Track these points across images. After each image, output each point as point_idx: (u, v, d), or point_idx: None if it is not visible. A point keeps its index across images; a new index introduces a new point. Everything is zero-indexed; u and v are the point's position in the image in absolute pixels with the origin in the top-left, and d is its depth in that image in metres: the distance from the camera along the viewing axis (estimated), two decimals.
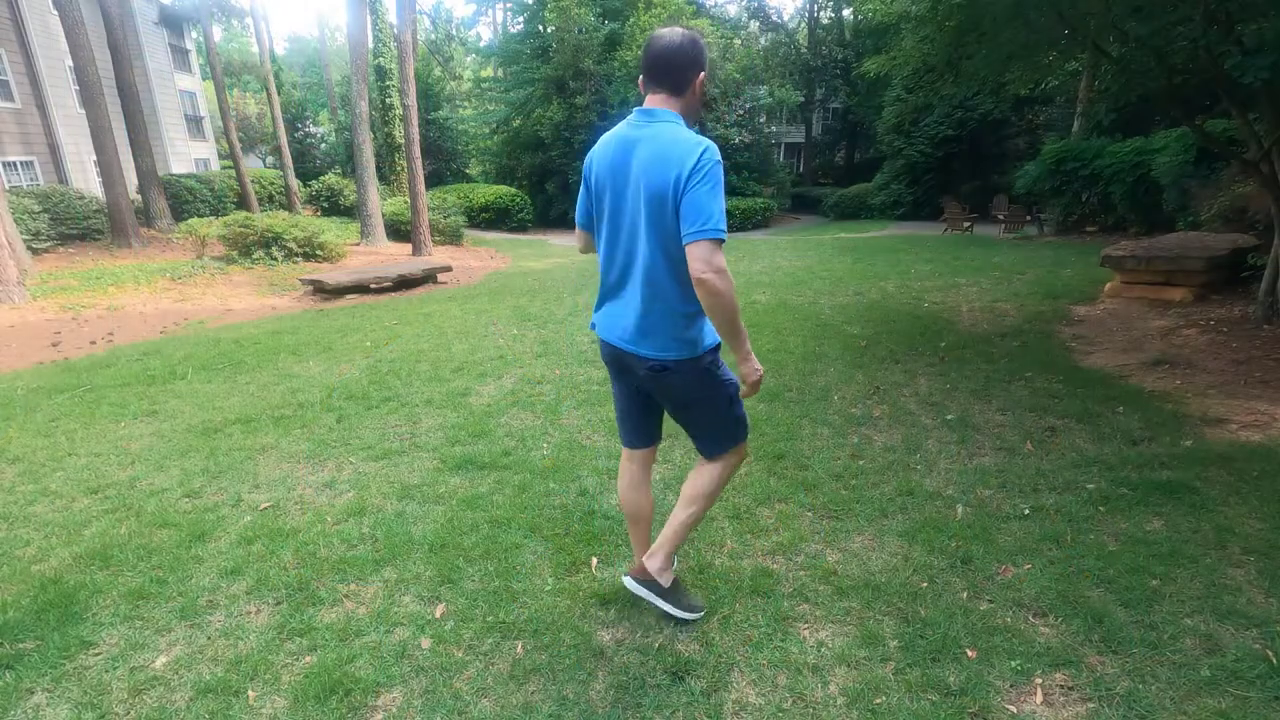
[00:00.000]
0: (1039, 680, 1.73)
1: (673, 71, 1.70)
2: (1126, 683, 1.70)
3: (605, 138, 1.78)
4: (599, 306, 1.92)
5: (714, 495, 1.99)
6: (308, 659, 1.91)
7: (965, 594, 2.09)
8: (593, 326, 1.95)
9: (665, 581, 2.00)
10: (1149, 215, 10.89)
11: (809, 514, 2.64)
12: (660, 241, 1.66)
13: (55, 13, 14.71)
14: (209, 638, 2.02)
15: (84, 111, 12.99)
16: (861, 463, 3.08)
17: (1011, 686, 1.72)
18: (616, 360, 1.90)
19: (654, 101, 1.72)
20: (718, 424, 1.91)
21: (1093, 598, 2.03)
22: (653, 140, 1.64)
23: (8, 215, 9.16)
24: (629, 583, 2.03)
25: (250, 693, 1.79)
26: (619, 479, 2.10)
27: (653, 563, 2.00)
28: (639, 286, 1.73)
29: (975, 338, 5.33)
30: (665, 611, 2.00)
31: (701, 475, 1.97)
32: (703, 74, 1.73)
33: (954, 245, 12.42)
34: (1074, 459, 3.02)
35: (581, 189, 1.87)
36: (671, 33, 1.73)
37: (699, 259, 1.55)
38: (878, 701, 1.68)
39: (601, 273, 1.87)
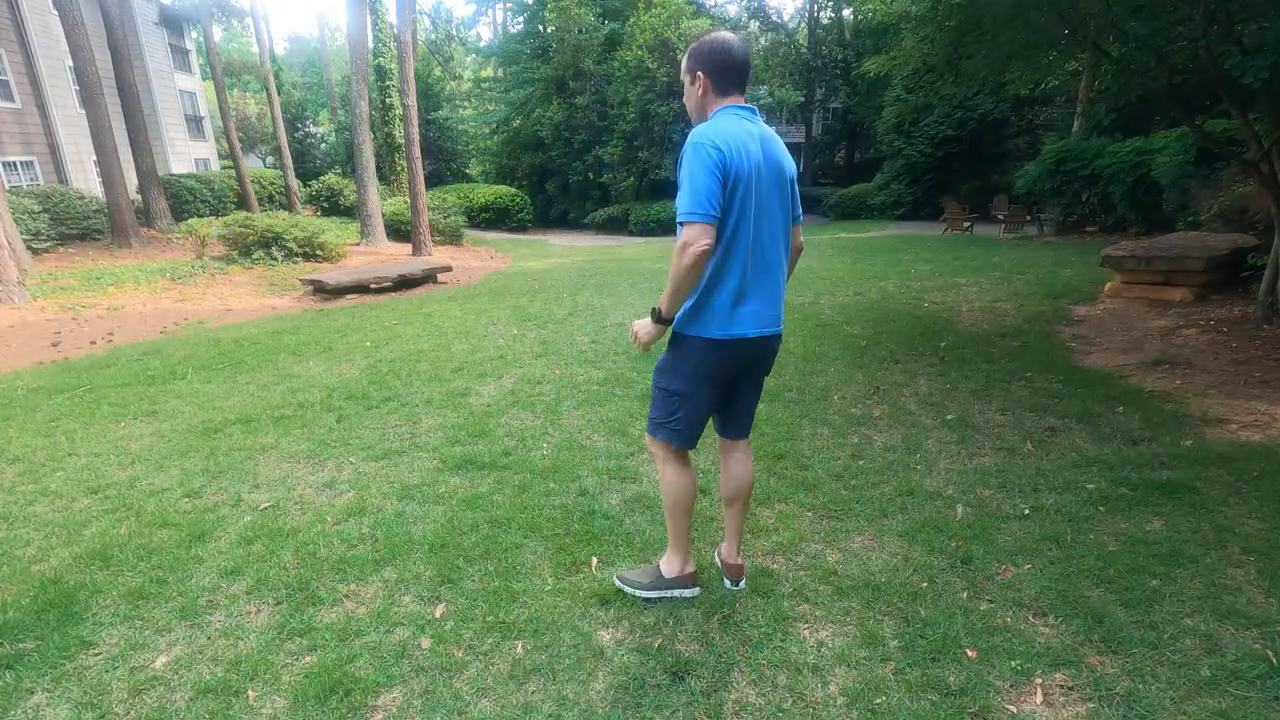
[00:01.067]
0: (1039, 680, 1.73)
1: (748, 75, 1.87)
2: (1126, 683, 1.70)
3: (738, 133, 1.74)
4: (741, 304, 1.81)
5: None
6: (308, 659, 1.91)
7: (965, 594, 2.09)
8: (742, 332, 1.83)
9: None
10: (1149, 215, 10.89)
11: (809, 514, 2.64)
12: (791, 222, 1.94)
13: (55, 13, 14.72)
14: (209, 638, 2.02)
15: (84, 111, 12.98)
16: (861, 463, 3.08)
17: (1011, 686, 1.72)
18: (754, 352, 1.89)
19: (738, 100, 1.84)
20: None
21: (1093, 598, 2.03)
22: (774, 136, 1.86)
23: (8, 215, 9.16)
24: (741, 586, 2.17)
25: (250, 693, 1.79)
26: (687, 475, 2.03)
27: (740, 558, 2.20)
28: (781, 268, 1.91)
29: (975, 338, 5.33)
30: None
31: (750, 457, 2.13)
32: None
33: (954, 245, 12.42)
34: (1074, 459, 3.02)
35: (718, 184, 1.69)
36: (741, 39, 1.85)
37: (801, 233, 2.04)
38: (878, 701, 1.68)
39: (741, 267, 1.79)
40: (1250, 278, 5.70)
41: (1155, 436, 3.22)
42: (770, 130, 1.85)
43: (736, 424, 2.06)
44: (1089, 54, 7.08)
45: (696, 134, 1.73)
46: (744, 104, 1.83)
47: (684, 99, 1.94)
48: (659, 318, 1.83)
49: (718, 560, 2.26)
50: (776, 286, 1.90)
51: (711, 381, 1.91)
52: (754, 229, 1.79)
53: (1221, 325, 5.09)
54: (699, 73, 1.83)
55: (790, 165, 1.87)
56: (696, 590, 2.13)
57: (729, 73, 1.81)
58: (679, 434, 1.96)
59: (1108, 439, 3.23)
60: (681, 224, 1.69)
